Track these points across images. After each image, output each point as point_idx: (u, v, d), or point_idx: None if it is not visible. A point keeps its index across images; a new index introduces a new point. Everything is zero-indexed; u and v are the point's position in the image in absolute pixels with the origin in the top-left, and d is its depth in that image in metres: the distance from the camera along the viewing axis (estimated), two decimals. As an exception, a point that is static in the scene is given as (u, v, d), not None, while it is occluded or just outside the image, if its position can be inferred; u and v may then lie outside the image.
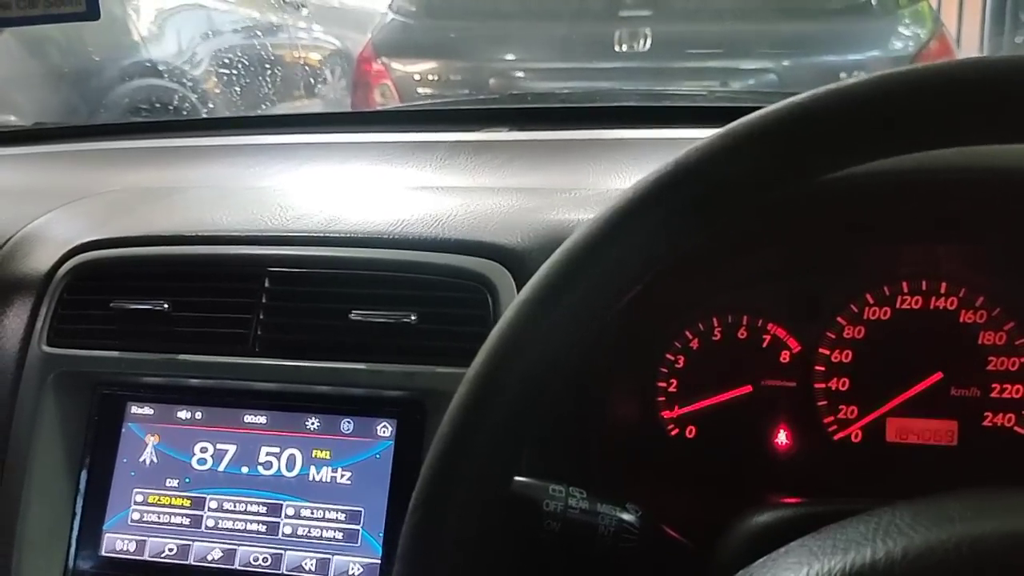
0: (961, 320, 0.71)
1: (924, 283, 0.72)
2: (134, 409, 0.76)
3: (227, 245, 0.78)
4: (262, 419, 0.74)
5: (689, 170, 0.42)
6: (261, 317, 0.74)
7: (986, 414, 0.71)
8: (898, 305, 0.72)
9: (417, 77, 2.94)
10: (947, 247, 0.72)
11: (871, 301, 0.73)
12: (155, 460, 0.75)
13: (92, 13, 0.65)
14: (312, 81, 4.05)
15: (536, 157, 1.01)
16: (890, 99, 0.40)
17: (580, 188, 0.84)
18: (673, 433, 0.76)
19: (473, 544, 0.43)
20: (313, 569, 0.70)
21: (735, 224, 0.43)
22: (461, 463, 0.42)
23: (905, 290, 0.72)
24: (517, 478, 0.54)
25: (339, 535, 0.71)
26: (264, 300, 0.74)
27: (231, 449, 0.74)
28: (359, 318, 0.71)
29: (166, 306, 0.76)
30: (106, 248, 0.80)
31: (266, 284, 0.75)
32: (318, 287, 0.74)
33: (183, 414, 0.75)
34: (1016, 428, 0.70)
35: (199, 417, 0.75)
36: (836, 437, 0.73)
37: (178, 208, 0.89)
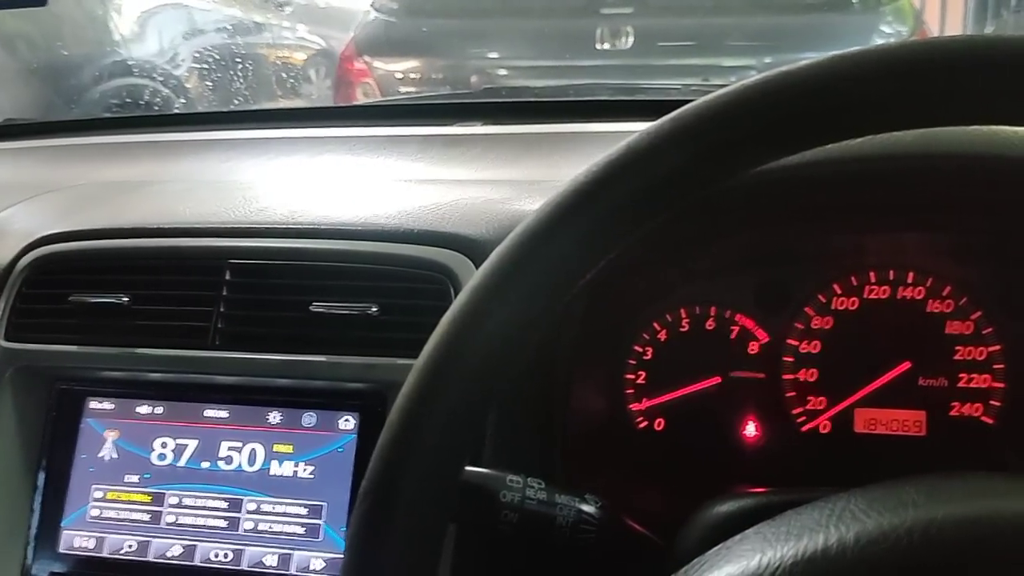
0: (928, 309, 0.71)
1: (891, 272, 0.71)
2: (93, 404, 0.75)
3: (188, 237, 0.76)
4: (223, 413, 0.73)
5: (627, 161, 0.42)
6: (222, 310, 0.73)
7: (953, 404, 0.70)
8: (866, 295, 0.72)
9: (399, 75, 2.93)
10: (914, 236, 0.71)
11: (839, 291, 0.72)
12: (115, 456, 0.74)
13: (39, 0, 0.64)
14: (296, 81, 4.03)
15: (509, 150, 1.00)
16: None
17: (551, 180, 0.83)
18: (641, 426, 0.75)
19: (424, 533, 0.42)
20: (275, 565, 0.69)
21: (678, 214, 0.43)
22: (409, 452, 0.42)
23: (873, 280, 0.71)
24: (474, 468, 0.53)
25: (301, 530, 0.70)
26: (225, 292, 0.73)
27: (191, 444, 0.73)
28: (320, 310, 0.70)
29: (126, 299, 0.74)
30: (66, 241, 0.79)
31: (227, 276, 0.73)
32: (279, 279, 0.73)
33: (143, 409, 0.74)
34: (984, 418, 0.70)
35: (159, 412, 0.74)
36: (804, 428, 0.73)
37: (140, 201, 0.87)
